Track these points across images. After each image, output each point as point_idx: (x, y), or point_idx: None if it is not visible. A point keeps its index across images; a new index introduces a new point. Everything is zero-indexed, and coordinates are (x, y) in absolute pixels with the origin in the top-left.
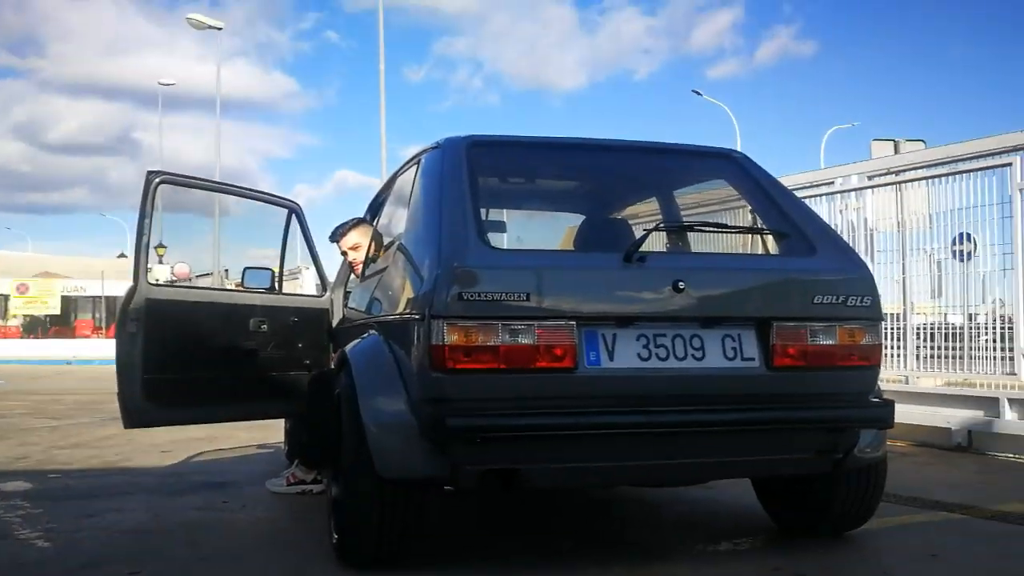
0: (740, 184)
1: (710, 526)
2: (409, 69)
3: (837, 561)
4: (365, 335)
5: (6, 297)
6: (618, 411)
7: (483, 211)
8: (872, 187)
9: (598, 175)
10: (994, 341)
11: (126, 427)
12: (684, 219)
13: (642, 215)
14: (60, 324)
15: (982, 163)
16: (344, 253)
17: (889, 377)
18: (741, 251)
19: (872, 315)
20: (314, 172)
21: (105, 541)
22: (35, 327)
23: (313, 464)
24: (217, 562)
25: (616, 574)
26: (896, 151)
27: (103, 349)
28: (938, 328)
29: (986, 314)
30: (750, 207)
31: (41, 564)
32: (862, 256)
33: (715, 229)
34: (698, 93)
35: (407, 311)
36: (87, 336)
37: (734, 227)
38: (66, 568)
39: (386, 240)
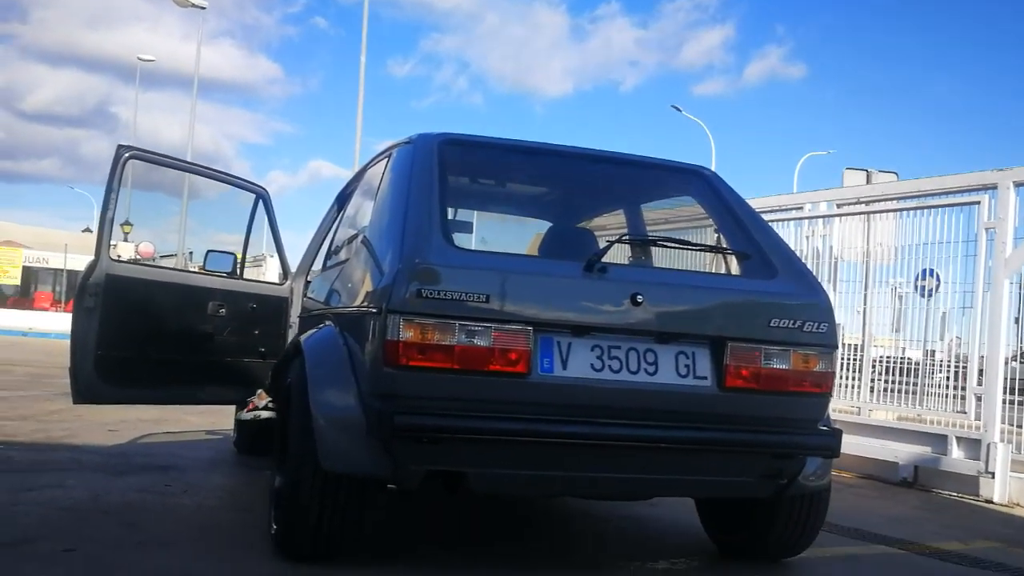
0: (707, 201)
1: (651, 543)
2: (395, 63)
3: None
4: (321, 325)
5: None
6: (568, 420)
7: (450, 210)
8: (840, 215)
9: (567, 183)
10: (948, 379)
11: (75, 402)
12: (650, 234)
13: (611, 227)
14: (19, 295)
15: (951, 199)
16: None
17: (842, 407)
18: (704, 270)
19: (827, 342)
20: (289, 160)
21: (42, 517)
22: None
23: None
24: (152, 546)
25: None
26: (868, 181)
27: (60, 323)
28: (895, 362)
29: (943, 351)
30: (715, 226)
31: None
32: (825, 284)
33: (677, 245)
34: (677, 109)
35: (364, 304)
36: (45, 309)
37: (696, 244)
38: (0, 541)
39: (351, 232)
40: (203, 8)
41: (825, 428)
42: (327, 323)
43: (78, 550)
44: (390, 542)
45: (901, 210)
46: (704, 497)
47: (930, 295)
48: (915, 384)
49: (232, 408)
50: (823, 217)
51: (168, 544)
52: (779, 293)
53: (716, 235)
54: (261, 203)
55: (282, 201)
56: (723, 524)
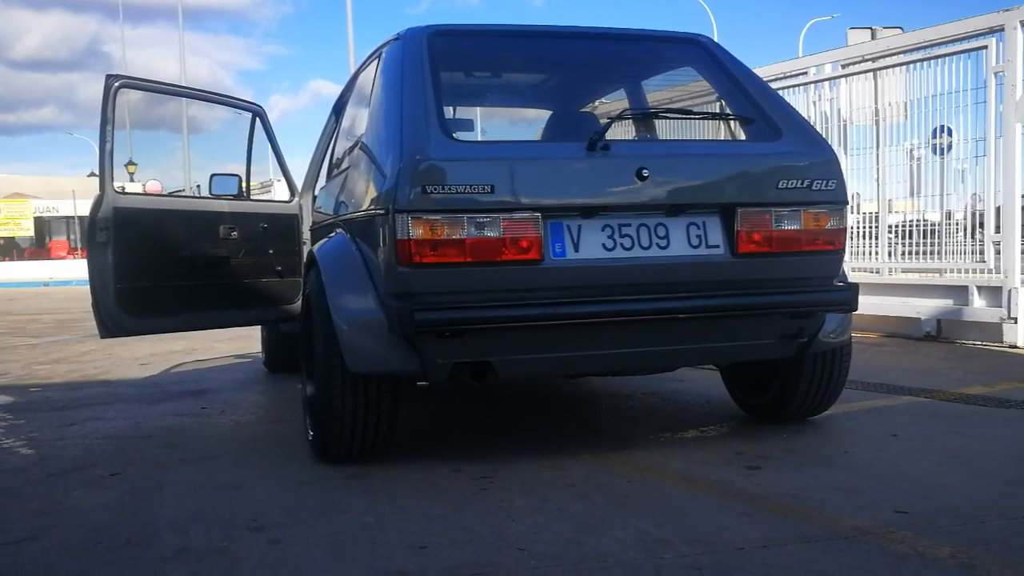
0: (706, 69)
1: (679, 415)
2: None
3: (799, 444)
4: (332, 235)
5: None
6: (585, 301)
7: (450, 109)
8: (846, 75)
9: (563, 65)
10: (966, 235)
11: (102, 337)
12: (651, 108)
13: (614, 112)
14: (34, 246)
15: (958, 46)
16: None
17: (863, 268)
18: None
19: (837, 198)
20: (289, 82)
21: (87, 447)
22: (10, 250)
23: None
24: (195, 462)
25: (584, 461)
26: (873, 39)
27: (79, 270)
28: (916, 225)
29: (963, 210)
30: (716, 93)
31: (24, 470)
32: (836, 150)
33: (678, 115)
34: None
35: (372, 208)
36: (62, 257)
37: (698, 113)
38: (49, 472)
39: (350, 140)
40: None
41: (841, 284)
42: (338, 231)
43: (124, 472)
44: (426, 436)
45: (908, 63)
46: (727, 363)
47: (943, 153)
48: (936, 245)
49: (259, 330)
50: (828, 80)
51: (210, 459)
52: (785, 154)
53: (719, 104)
54: (258, 121)
55: (287, 124)
56: (748, 389)
